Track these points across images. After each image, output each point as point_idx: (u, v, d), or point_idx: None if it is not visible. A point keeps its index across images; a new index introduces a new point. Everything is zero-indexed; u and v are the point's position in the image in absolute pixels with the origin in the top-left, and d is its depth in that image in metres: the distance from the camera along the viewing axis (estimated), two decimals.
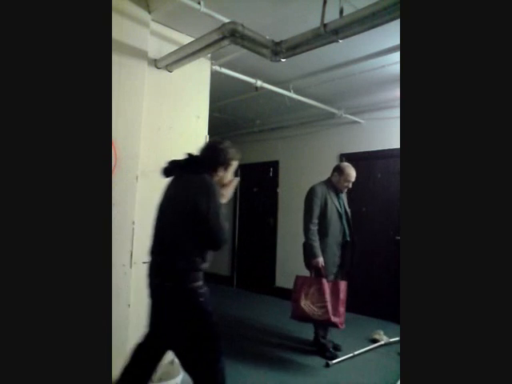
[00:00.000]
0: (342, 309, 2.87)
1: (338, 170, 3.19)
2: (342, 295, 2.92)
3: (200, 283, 1.67)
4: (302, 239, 3.07)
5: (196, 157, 1.85)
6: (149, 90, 2.38)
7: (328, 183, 3.19)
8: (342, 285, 2.94)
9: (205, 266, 1.69)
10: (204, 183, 1.68)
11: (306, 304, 2.84)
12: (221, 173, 1.82)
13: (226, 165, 1.82)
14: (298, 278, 3.00)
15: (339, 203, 3.15)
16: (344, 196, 3.29)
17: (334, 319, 2.81)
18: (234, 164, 1.87)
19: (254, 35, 2.06)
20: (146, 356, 1.82)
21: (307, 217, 3.07)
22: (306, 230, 3.02)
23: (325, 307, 2.78)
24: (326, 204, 3.06)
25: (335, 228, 3.07)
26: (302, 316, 2.87)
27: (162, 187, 2.47)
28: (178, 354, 1.75)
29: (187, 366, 1.72)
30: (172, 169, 1.84)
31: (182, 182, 1.75)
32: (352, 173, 3.13)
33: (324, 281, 2.88)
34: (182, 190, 1.72)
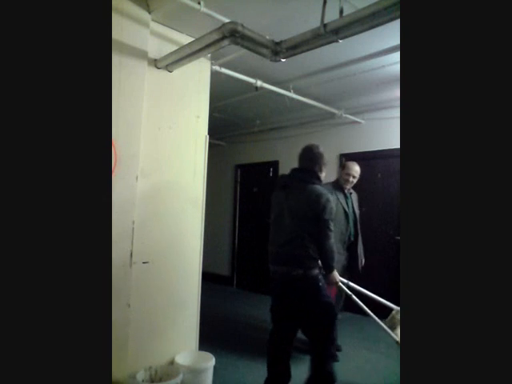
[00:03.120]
0: None
1: (342, 165, 3.26)
2: (332, 293, 2.95)
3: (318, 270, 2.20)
4: None
5: (306, 169, 2.27)
6: (149, 90, 2.37)
7: (335, 183, 3.22)
8: (331, 290, 2.97)
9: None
10: (319, 193, 2.14)
11: None
12: (324, 172, 2.29)
13: (324, 165, 2.28)
14: None
15: (347, 203, 3.15)
16: (355, 197, 3.30)
17: None
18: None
19: (254, 35, 2.05)
20: (281, 346, 2.27)
21: None
22: None
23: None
24: None
25: (341, 227, 3.08)
26: None
27: (161, 187, 2.48)
28: (304, 330, 2.26)
29: (311, 337, 2.23)
30: (287, 182, 2.29)
31: (300, 192, 2.19)
32: (352, 166, 3.14)
33: None
34: (304, 199, 2.16)
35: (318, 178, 2.23)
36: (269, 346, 2.28)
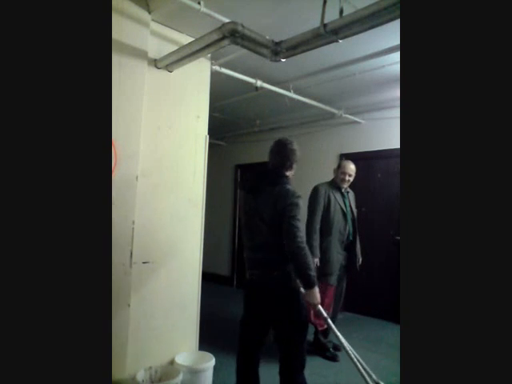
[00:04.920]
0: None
1: (337, 165, 3.24)
2: (328, 300, 2.96)
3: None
4: None
5: (273, 170, 2.06)
6: (149, 89, 2.37)
7: (332, 183, 3.21)
8: (329, 290, 2.97)
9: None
10: (288, 191, 1.92)
11: None
12: (293, 170, 2.09)
13: (296, 162, 2.08)
14: None
15: (344, 203, 3.15)
16: (352, 196, 3.29)
17: (314, 320, 2.93)
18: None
19: (254, 35, 2.05)
20: (251, 343, 2.07)
21: (309, 216, 3.08)
22: (307, 229, 3.02)
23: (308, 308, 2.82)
24: (329, 203, 3.07)
25: (339, 227, 3.08)
26: None
27: (161, 187, 2.48)
28: (276, 336, 2.00)
29: (281, 342, 1.97)
30: (254, 184, 2.08)
31: (270, 195, 1.95)
32: (347, 164, 3.13)
33: None
34: (269, 201, 1.93)
35: (286, 178, 2.02)
36: (238, 353, 2.08)
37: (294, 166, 2.06)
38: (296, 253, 1.80)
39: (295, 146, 2.07)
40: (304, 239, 1.84)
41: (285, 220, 1.84)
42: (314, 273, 1.82)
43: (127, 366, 2.22)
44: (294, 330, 1.92)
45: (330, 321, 1.98)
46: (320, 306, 1.90)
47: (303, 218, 1.99)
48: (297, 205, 1.88)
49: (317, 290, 1.84)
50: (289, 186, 1.96)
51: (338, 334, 1.97)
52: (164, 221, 2.50)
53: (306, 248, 1.83)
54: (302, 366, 1.94)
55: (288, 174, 2.05)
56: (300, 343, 1.94)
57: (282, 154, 2.04)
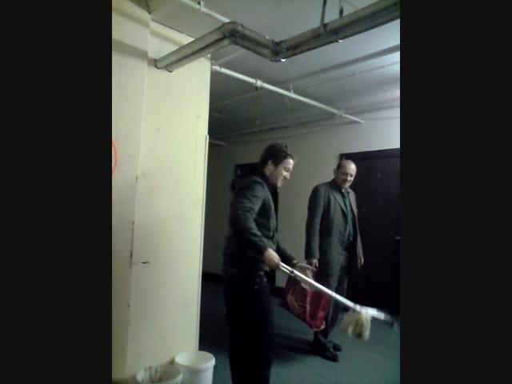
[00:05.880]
0: (320, 313, 2.89)
1: (337, 165, 3.22)
2: (324, 301, 2.95)
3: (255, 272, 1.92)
4: (302, 239, 3.08)
5: (252, 168, 2.13)
6: (149, 90, 2.37)
7: (332, 183, 3.19)
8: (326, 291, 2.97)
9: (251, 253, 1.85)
10: (244, 183, 1.95)
11: (290, 299, 2.88)
12: (271, 166, 2.07)
13: (275, 159, 2.07)
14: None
15: (344, 203, 3.14)
16: (352, 196, 3.28)
17: (309, 321, 2.92)
18: (286, 162, 2.09)
19: (254, 35, 2.05)
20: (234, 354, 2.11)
21: (309, 216, 3.07)
22: (307, 229, 3.02)
23: (304, 308, 2.83)
24: (329, 203, 3.06)
25: (339, 227, 3.07)
26: (287, 308, 2.92)
27: (162, 187, 2.48)
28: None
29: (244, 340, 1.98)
30: (233, 182, 2.16)
31: (235, 188, 2.06)
32: (348, 165, 3.11)
33: None
34: (235, 193, 2.02)
35: (261, 173, 2.05)
36: (229, 350, 2.14)
37: (271, 162, 2.07)
38: (234, 221, 1.79)
39: (277, 146, 2.10)
40: (246, 210, 1.79)
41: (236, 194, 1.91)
42: (256, 238, 1.76)
43: (127, 365, 2.22)
44: (254, 330, 1.91)
45: (287, 270, 1.87)
46: (282, 263, 1.82)
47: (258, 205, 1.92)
48: (250, 187, 1.89)
49: (269, 252, 1.76)
50: (255, 178, 1.96)
51: (304, 277, 1.92)
52: (164, 221, 2.50)
53: (247, 215, 1.78)
54: (267, 363, 1.94)
55: (265, 170, 2.08)
56: (262, 342, 1.91)
57: (261, 153, 2.14)
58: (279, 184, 2.13)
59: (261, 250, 1.77)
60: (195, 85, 2.72)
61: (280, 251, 2.07)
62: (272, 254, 1.78)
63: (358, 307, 1.87)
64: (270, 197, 2.01)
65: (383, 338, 3.39)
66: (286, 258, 2.03)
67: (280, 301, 2.80)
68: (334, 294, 1.99)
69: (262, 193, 1.93)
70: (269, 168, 2.08)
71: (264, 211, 1.96)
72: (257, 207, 1.87)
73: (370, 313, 1.86)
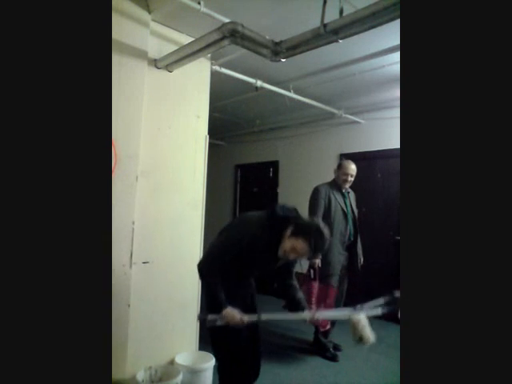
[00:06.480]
0: None
1: (338, 165, 3.22)
2: (329, 301, 2.95)
3: None
4: None
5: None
6: (149, 89, 2.37)
7: (332, 183, 3.19)
8: (331, 291, 2.96)
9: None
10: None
11: None
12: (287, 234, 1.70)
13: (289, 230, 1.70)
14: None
15: (345, 203, 3.13)
16: (352, 196, 3.28)
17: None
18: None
19: (254, 35, 2.05)
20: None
21: (309, 217, 3.07)
22: None
23: (309, 308, 2.82)
24: (329, 204, 3.06)
25: (340, 227, 3.07)
26: None
27: (161, 187, 2.48)
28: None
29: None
30: None
31: None
32: (348, 165, 3.11)
33: (315, 284, 2.90)
34: None
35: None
36: None
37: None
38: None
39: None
40: (206, 263, 1.82)
41: None
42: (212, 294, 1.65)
43: (127, 365, 2.22)
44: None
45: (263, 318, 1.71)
46: (245, 317, 1.62)
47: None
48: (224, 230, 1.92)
49: (227, 310, 1.58)
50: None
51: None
52: (164, 221, 2.50)
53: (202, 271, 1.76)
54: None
55: None
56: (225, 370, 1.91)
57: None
58: None
59: (217, 307, 1.63)
60: (195, 85, 2.72)
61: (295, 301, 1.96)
62: (229, 313, 1.59)
63: (349, 312, 1.73)
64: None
65: (383, 338, 3.40)
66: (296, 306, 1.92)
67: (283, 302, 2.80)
68: (321, 313, 1.90)
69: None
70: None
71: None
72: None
73: (363, 316, 1.73)
